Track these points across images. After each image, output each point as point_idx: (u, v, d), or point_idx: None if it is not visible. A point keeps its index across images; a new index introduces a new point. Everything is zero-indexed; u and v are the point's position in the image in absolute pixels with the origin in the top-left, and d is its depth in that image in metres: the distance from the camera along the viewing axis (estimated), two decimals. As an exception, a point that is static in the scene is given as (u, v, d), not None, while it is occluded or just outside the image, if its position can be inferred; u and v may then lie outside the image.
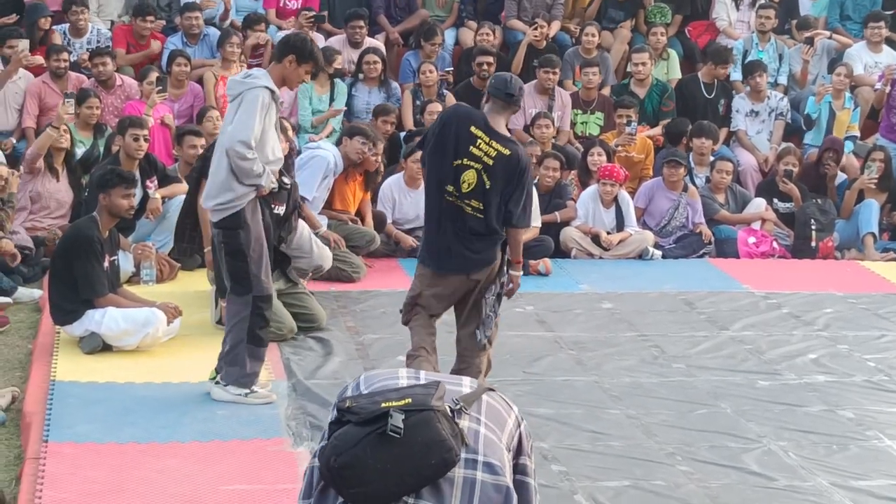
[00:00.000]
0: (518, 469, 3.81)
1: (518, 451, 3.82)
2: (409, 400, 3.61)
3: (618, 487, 6.92)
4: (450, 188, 7.50)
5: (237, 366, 7.80)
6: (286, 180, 8.79)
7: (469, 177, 7.46)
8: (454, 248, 7.54)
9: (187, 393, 8.08)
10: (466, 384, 3.81)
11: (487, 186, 7.46)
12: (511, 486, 3.66)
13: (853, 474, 7.27)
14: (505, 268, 7.65)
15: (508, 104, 7.56)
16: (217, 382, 7.91)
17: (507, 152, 7.46)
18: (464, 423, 3.66)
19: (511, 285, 7.71)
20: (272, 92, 7.62)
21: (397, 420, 3.55)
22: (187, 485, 6.67)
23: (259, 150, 7.57)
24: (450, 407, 3.65)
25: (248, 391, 7.83)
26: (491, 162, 7.43)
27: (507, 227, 7.56)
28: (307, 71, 7.85)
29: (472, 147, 7.46)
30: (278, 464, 7.00)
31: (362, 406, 3.62)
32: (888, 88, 14.08)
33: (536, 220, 11.71)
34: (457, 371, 7.60)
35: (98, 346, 8.70)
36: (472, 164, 7.45)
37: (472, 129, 7.48)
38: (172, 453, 7.09)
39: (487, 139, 7.46)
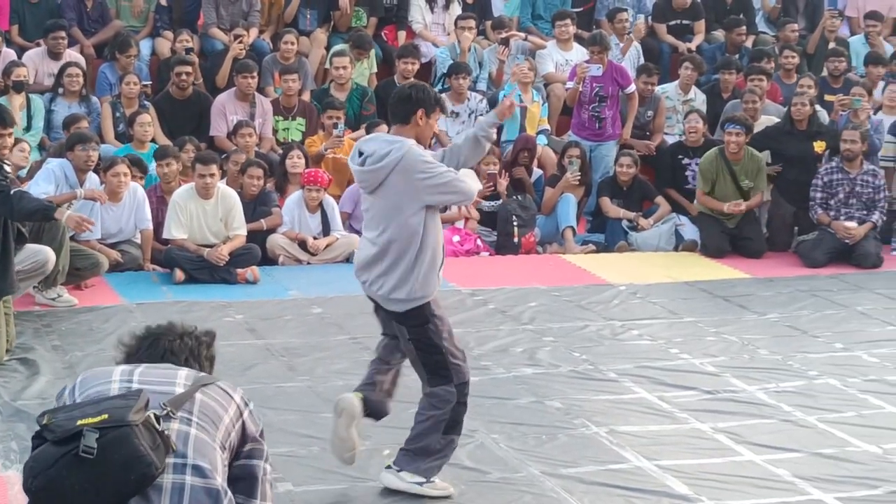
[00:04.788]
0: (244, 455, 3.79)
1: (243, 440, 3.81)
2: (106, 416, 3.53)
3: (331, 491, 6.99)
4: None
5: (424, 455, 7.02)
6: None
7: None
8: None
9: None
10: (181, 381, 3.75)
11: None
12: (222, 488, 3.64)
13: (563, 462, 7.46)
14: None
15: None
16: (389, 467, 7.11)
17: None
18: (173, 426, 3.62)
19: None
20: None
21: (90, 440, 3.47)
22: None
23: None
24: (155, 413, 3.60)
25: (425, 480, 7.02)
26: None
27: None
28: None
29: None
30: (-15, 491, 6.79)
31: (59, 423, 3.54)
32: (580, 87, 14.45)
33: (242, 229, 11.67)
34: None
35: None
36: None
37: None
38: None
39: None
